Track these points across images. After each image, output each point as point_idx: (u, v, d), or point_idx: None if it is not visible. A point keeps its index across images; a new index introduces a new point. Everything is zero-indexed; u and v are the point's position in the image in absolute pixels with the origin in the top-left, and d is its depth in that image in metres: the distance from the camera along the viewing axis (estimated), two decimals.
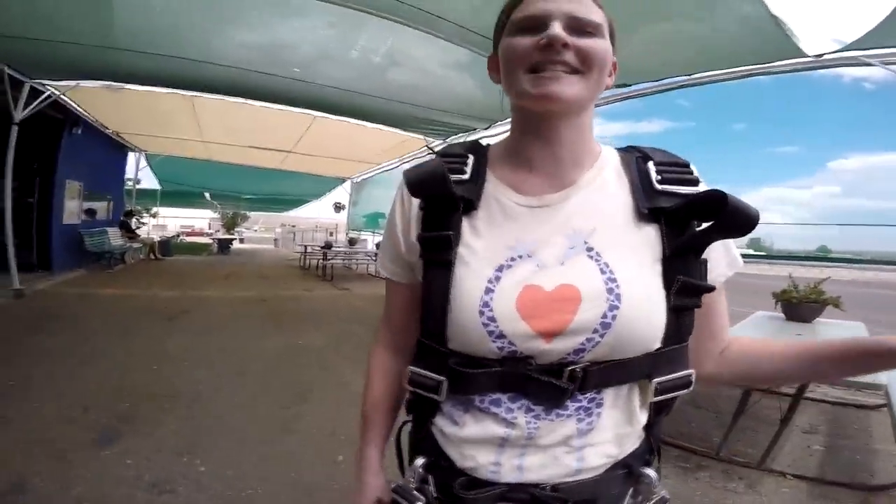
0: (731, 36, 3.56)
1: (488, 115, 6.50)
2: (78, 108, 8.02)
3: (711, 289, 0.59)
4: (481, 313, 0.56)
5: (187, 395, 3.08)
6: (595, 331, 0.55)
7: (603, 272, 0.57)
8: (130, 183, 13.02)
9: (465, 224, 0.61)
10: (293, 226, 26.65)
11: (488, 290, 0.57)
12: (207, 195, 17.73)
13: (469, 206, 0.62)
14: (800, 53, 3.62)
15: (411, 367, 0.65)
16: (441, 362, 0.60)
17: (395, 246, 0.69)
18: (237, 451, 2.39)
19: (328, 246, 11.69)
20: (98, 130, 9.39)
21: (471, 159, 0.65)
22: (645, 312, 0.56)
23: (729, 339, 0.70)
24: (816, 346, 0.64)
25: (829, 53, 3.64)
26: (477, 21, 3.70)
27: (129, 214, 12.43)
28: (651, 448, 0.66)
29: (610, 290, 0.55)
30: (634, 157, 0.64)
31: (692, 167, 0.63)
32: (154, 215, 17.27)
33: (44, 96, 6.48)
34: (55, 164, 7.98)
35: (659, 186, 0.60)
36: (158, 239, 13.91)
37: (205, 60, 5.17)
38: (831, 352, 0.62)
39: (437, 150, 0.71)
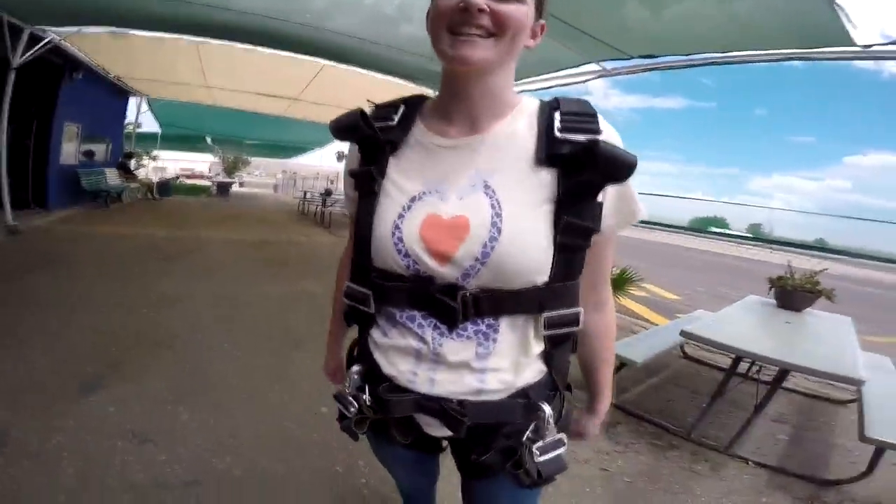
0: (776, 14, 3.33)
1: None
2: (79, 54, 7.88)
3: (595, 230, 0.64)
4: (393, 234, 0.67)
5: (178, 341, 3.08)
6: (477, 259, 0.63)
7: (493, 208, 0.64)
8: (131, 126, 12.80)
9: (392, 162, 0.72)
10: (294, 173, 26.35)
11: (400, 215, 0.67)
12: (209, 139, 17.45)
13: (394, 147, 0.72)
14: (848, 42, 3.39)
15: (347, 283, 0.77)
16: (367, 277, 0.71)
17: (345, 182, 0.79)
18: (221, 400, 2.40)
19: (328, 193, 11.61)
20: (99, 75, 9.24)
21: (402, 109, 0.74)
22: (522, 246, 0.62)
23: (606, 298, 0.80)
24: (595, 377, 0.86)
25: (879, 45, 3.43)
26: None
27: (129, 156, 12.28)
28: (553, 384, 0.74)
29: (493, 224, 0.63)
30: (549, 108, 0.69)
31: (598, 117, 0.66)
32: (154, 158, 17.05)
33: (43, 42, 6.32)
34: (54, 108, 7.97)
35: (559, 135, 0.65)
36: (158, 180, 13.79)
37: (213, 5, 4.93)
38: (589, 383, 0.87)
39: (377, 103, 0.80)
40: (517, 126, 0.69)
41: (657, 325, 4.57)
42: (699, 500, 2.02)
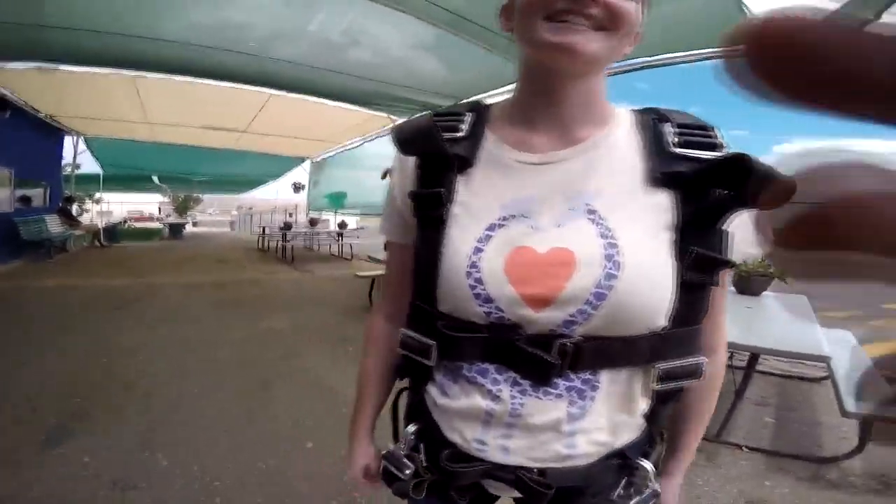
0: (696, 19, 3.61)
1: (453, 93, 6.40)
2: (4, 91, 7.35)
3: (731, 263, 0.53)
4: (468, 274, 0.54)
5: (142, 388, 2.93)
6: (588, 301, 0.51)
7: (604, 237, 0.52)
8: (69, 168, 12.10)
9: (461, 182, 0.59)
10: (250, 207, 25.73)
11: (477, 250, 0.54)
12: (156, 178, 16.78)
13: (464, 163, 0.59)
14: None
15: (403, 330, 0.64)
16: (431, 325, 0.58)
17: (393, 204, 0.67)
18: (200, 443, 2.31)
19: (287, 227, 11.32)
20: (28, 114, 8.67)
21: (469, 117, 0.62)
22: (647, 284, 0.51)
23: (718, 344, 0.64)
24: (682, 436, 0.68)
25: None
26: None
27: (69, 200, 11.60)
28: (652, 439, 0.63)
29: (609, 257, 0.51)
30: (651, 119, 0.59)
31: (717, 131, 0.56)
32: (97, 201, 16.23)
33: None
34: None
35: (675, 150, 0.55)
36: (104, 225, 13.09)
37: (150, 37, 4.78)
38: (671, 438, 0.68)
39: (436, 111, 0.66)
40: (617, 137, 0.58)
41: None
42: (702, 490, 2.03)
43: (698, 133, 0.55)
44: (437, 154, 0.58)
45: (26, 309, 4.90)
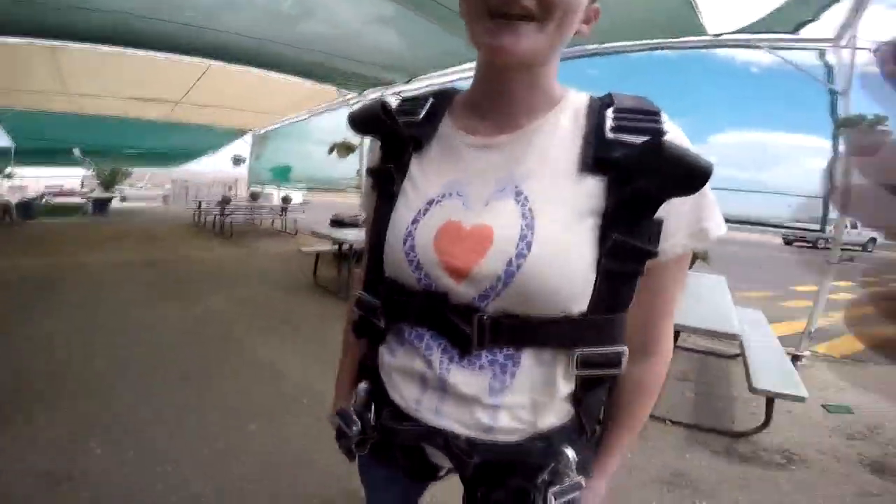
0: (644, 8, 3.74)
1: (410, 69, 6.27)
2: None
3: (652, 254, 0.53)
4: (405, 242, 0.59)
5: (71, 376, 2.77)
6: (499, 278, 0.53)
7: (524, 217, 0.54)
8: None
9: (415, 161, 0.64)
10: (186, 181, 24.15)
11: (415, 221, 0.59)
12: (77, 151, 15.31)
13: (418, 144, 0.64)
14: (702, 31, 3.90)
15: (359, 292, 0.68)
16: (378, 287, 0.64)
17: (365, 182, 0.72)
18: (138, 430, 2.23)
19: (226, 201, 10.77)
20: None
21: (429, 102, 0.67)
22: (556, 266, 0.52)
23: (658, 345, 0.65)
24: (608, 438, 0.70)
25: (727, 34, 3.96)
26: None
27: None
28: (581, 426, 0.64)
29: (523, 237, 0.53)
30: (600, 103, 0.60)
31: (661, 115, 0.56)
32: (9, 176, 14.65)
33: None
34: None
35: (611, 135, 0.55)
36: (17, 201, 11.87)
37: (73, 5, 4.31)
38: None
39: (404, 96, 0.72)
40: (561, 124, 0.59)
41: None
42: (632, 462, 2.19)
43: (639, 117, 0.56)
44: (394, 135, 0.64)
45: None
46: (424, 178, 0.63)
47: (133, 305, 4.31)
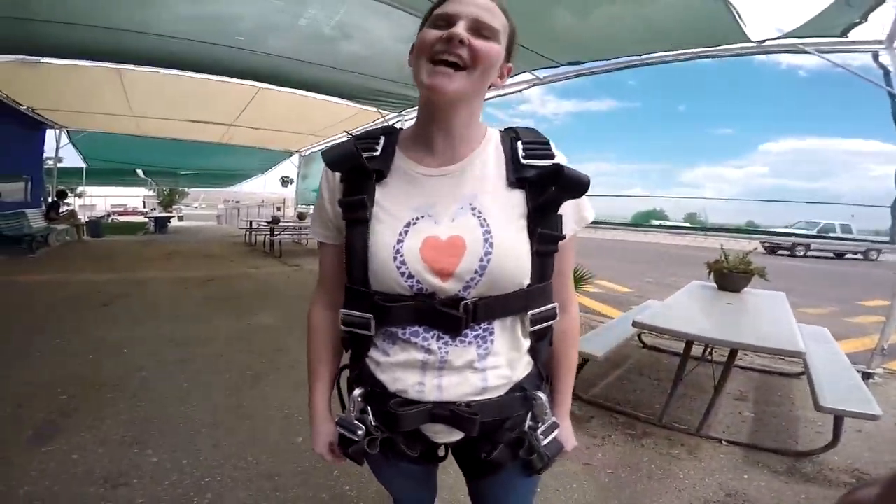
0: (681, 18, 3.67)
1: None
2: None
3: (563, 237, 0.77)
4: (394, 258, 0.72)
5: (130, 384, 2.91)
6: (476, 271, 0.71)
7: (482, 226, 0.73)
8: (51, 162, 11.82)
9: (378, 190, 0.77)
10: (237, 201, 25.43)
11: (399, 241, 0.73)
12: (140, 172, 16.48)
13: (380, 175, 0.77)
14: (744, 38, 3.78)
15: (343, 310, 0.79)
16: (367, 302, 0.75)
17: (324, 213, 0.84)
18: (190, 439, 2.31)
19: (275, 220, 11.25)
20: (9, 108, 8.48)
21: (382, 139, 0.80)
22: (512, 256, 0.72)
23: (569, 300, 0.88)
24: (556, 384, 0.90)
25: (771, 40, 3.83)
26: None
27: (62, 195, 11.34)
28: (540, 374, 0.84)
29: (486, 240, 0.72)
30: (510, 137, 0.81)
31: (551, 144, 0.80)
32: (80, 195, 15.90)
33: None
34: None
35: (524, 161, 0.77)
36: (87, 219, 12.83)
37: (136, 30, 4.69)
38: (551, 391, 0.90)
39: (354, 133, 0.86)
40: (488, 153, 0.79)
41: (612, 318, 4.73)
42: (683, 483, 2.08)
43: (539, 147, 0.79)
44: (360, 169, 0.76)
45: (8, 305, 4.82)
46: (393, 204, 0.76)
47: (189, 319, 4.54)
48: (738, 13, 3.39)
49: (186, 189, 21.67)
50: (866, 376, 3.27)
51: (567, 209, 0.78)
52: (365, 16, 4.27)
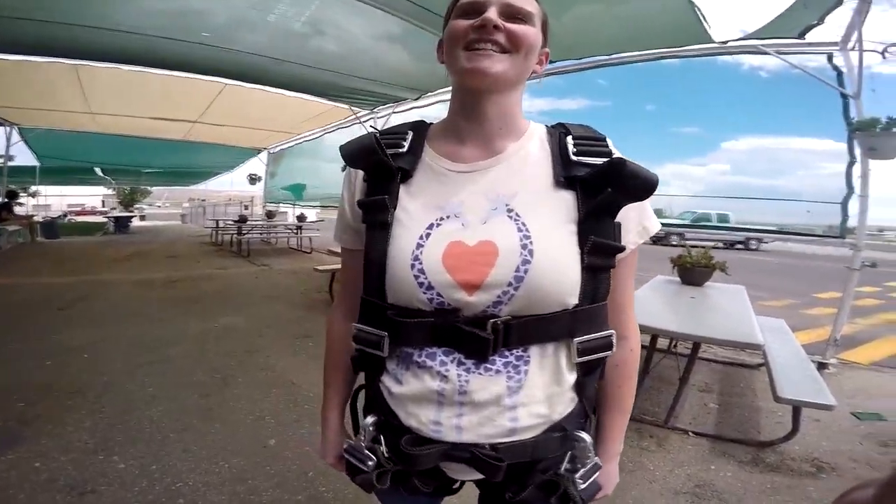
0: (650, 18, 3.76)
1: (419, 86, 6.36)
2: None
3: (622, 248, 0.64)
4: (412, 266, 0.62)
5: (92, 389, 2.81)
6: (510, 283, 0.60)
7: (520, 230, 0.63)
8: (0, 160, 11.21)
9: (403, 190, 0.69)
10: (203, 200, 24.67)
11: (419, 246, 0.63)
12: (98, 171, 15.77)
13: (406, 174, 0.69)
14: (708, 39, 3.91)
15: (355, 325, 0.70)
16: (381, 316, 0.66)
17: (345, 215, 0.76)
18: (158, 444, 2.25)
19: (243, 220, 10.96)
20: None
21: (410, 135, 0.72)
22: (556, 267, 0.61)
23: (628, 329, 0.73)
24: (604, 422, 0.76)
25: (733, 41, 3.96)
26: None
27: (13, 195, 10.73)
28: (584, 411, 0.71)
29: (524, 247, 0.61)
30: (558, 132, 0.71)
31: (608, 141, 0.69)
32: (33, 194, 15.11)
33: None
34: None
35: (574, 157, 0.67)
36: (41, 220, 12.20)
37: (94, 26, 4.48)
38: (597, 428, 0.76)
39: (381, 129, 0.77)
40: (530, 148, 0.70)
41: None
42: (653, 474, 2.15)
43: (592, 143, 0.68)
44: (383, 166, 0.68)
45: None
46: (417, 205, 0.67)
47: (154, 321, 4.38)
48: (702, 14, 3.50)
49: (149, 188, 20.88)
50: (821, 367, 3.44)
51: (627, 216, 0.65)
52: (337, 12, 4.20)
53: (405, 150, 0.71)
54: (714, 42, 3.99)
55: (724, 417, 2.76)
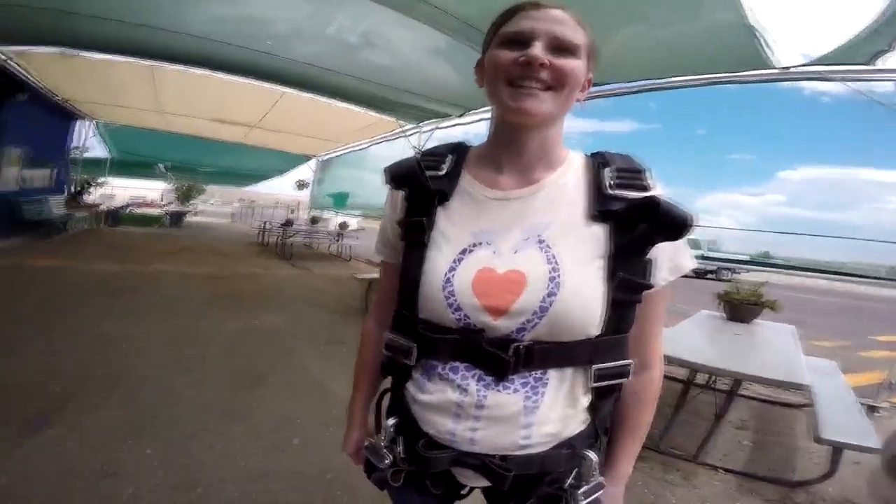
0: (706, 43, 3.66)
1: (463, 103, 6.46)
2: (24, 74, 7.47)
3: (650, 286, 0.66)
4: (444, 287, 0.66)
5: (128, 378, 2.90)
6: (535, 312, 0.63)
7: (549, 262, 0.65)
8: (77, 151, 12.11)
9: (441, 212, 0.71)
10: (252, 201, 25.75)
11: (451, 269, 0.67)
12: (161, 166, 16.81)
13: (444, 197, 0.72)
14: (768, 65, 3.77)
15: (388, 334, 0.75)
16: (412, 329, 0.70)
17: (385, 231, 0.81)
18: (184, 436, 2.30)
19: (288, 223, 11.37)
20: (45, 97, 8.81)
21: (449, 158, 0.75)
22: (581, 301, 0.63)
23: (651, 360, 0.75)
24: (615, 447, 0.78)
25: (796, 67, 3.81)
26: (458, 7, 3.64)
27: (87, 185, 11.61)
28: (596, 432, 0.73)
29: (552, 279, 0.63)
30: (596, 163, 0.71)
31: (646, 174, 0.68)
32: (102, 185, 16.27)
33: None
34: None
35: (610, 191, 0.67)
36: (106, 209, 13.10)
37: (171, 30, 4.87)
38: (607, 451, 0.78)
39: (423, 149, 0.85)
40: (567, 180, 0.71)
41: None
42: None
43: (631, 176, 0.68)
44: (423, 188, 0.71)
45: (15, 289, 4.88)
46: (453, 228, 0.70)
47: (196, 315, 4.58)
48: (764, 40, 3.39)
49: (204, 185, 22.00)
50: (872, 409, 3.21)
51: (660, 253, 0.67)
52: (389, 26, 4.36)
53: (444, 172, 0.73)
54: (775, 68, 3.85)
55: (757, 455, 2.62)
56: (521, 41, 0.64)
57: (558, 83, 0.64)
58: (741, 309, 3.64)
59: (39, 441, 2.12)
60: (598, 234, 0.66)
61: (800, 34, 3.55)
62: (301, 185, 16.06)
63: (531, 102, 0.64)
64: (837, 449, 2.16)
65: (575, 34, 0.65)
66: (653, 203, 0.62)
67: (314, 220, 13.27)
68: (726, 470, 2.40)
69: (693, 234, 0.64)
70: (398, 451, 0.73)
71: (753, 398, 3.52)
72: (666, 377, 3.05)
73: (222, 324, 4.37)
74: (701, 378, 3.09)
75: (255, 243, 12.33)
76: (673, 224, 0.62)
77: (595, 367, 0.66)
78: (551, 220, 0.68)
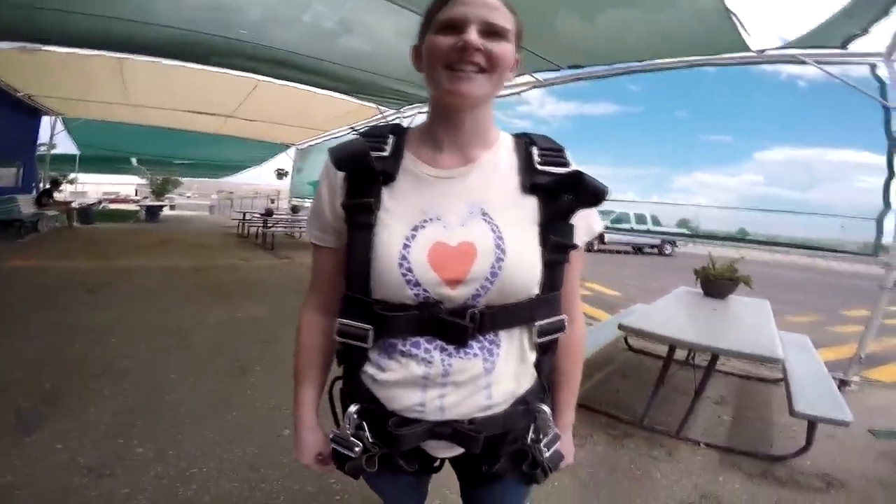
0: (686, 26, 3.71)
1: None
2: None
3: (575, 246, 0.76)
4: (400, 265, 0.68)
5: (116, 373, 2.90)
6: (486, 278, 0.69)
7: (493, 231, 0.71)
8: (44, 148, 11.70)
9: (385, 192, 0.73)
10: (230, 192, 25.25)
11: (405, 246, 0.69)
12: (134, 161, 16.35)
13: (388, 177, 0.74)
14: (745, 47, 3.83)
15: (339, 320, 0.75)
16: (366, 311, 0.72)
17: (322, 215, 0.79)
18: (176, 429, 2.31)
19: (269, 213, 11.21)
20: (6, 93, 8.47)
21: (391, 139, 0.77)
22: (524, 263, 0.71)
23: (575, 314, 0.84)
24: (557, 396, 0.87)
25: (771, 50, 3.88)
26: None
27: (56, 183, 11.21)
28: (543, 386, 0.82)
29: (498, 247, 0.70)
30: (524, 143, 0.79)
31: (565, 152, 0.78)
32: (72, 182, 15.75)
33: None
34: None
35: (539, 167, 0.75)
36: (78, 206, 12.70)
37: (138, 20, 4.68)
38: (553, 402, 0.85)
39: (361, 130, 0.84)
40: (500, 157, 0.78)
41: (600, 320, 4.78)
42: (660, 483, 2.14)
43: (554, 154, 0.77)
44: (365, 169, 0.73)
45: None
46: (400, 207, 0.73)
47: (179, 309, 4.52)
48: (739, 22, 3.43)
49: (180, 178, 21.49)
50: (843, 384, 3.34)
51: (578, 219, 0.76)
52: (369, 12, 4.28)
53: (387, 154, 0.75)
54: (752, 51, 3.91)
55: (737, 430, 2.72)
56: (456, 27, 0.68)
57: (492, 66, 0.69)
58: (717, 285, 3.72)
59: (35, 440, 2.12)
60: (531, 205, 0.74)
61: (775, 18, 3.60)
62: (281, 174, 15.82)
63: (467, 85, 0.68)
64: (812, 423, 2.25)
65: (506, 20, 0.70)
66: (578, 176, 0.70)
67: (295, 209, 13.11)
68: (707, 445, 2.48)
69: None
70: (366, 437, 0.74)
71: (731, 373, 3.63)
72: (646, 354, 3.15)
73: (206, 315, 4.33)
74: (680, 354, 3.17)
75: (235, 234, 12.13)
76: (594, 194, 0.71)
77: (537, 323, 0.74)
78: (491, 195, 0.74)
